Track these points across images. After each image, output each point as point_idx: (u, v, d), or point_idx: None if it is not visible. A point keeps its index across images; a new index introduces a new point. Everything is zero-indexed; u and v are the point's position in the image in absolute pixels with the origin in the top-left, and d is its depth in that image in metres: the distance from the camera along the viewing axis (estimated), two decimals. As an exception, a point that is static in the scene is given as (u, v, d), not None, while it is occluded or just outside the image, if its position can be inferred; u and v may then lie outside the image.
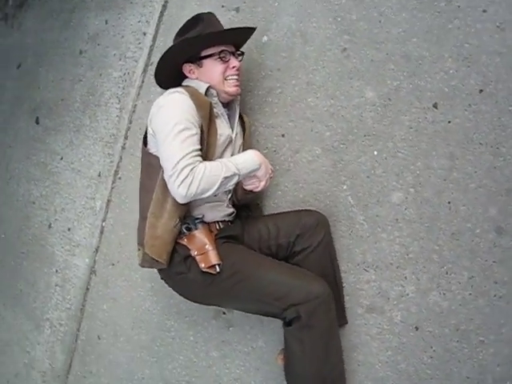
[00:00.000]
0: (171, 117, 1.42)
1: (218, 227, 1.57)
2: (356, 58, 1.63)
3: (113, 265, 2.33)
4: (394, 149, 1.51)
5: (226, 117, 1.64)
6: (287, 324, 1.42)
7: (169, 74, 1.67)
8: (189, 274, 1.49)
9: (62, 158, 2.79)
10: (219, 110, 1.61)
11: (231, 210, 1.64)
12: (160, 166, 1.46)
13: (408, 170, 1.47)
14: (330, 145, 1.64)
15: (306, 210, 1.61)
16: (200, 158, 1.41)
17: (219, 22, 1.67)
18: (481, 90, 1.40)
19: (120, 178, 2.41)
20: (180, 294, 1.60)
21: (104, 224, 2.43)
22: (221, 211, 1.59)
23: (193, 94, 1.49)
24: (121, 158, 2.43)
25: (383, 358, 1.47)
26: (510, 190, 1.35)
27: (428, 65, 1.49)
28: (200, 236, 1.50)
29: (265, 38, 1.90)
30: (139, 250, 1.56)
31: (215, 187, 1.40)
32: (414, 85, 1.50)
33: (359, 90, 1.60)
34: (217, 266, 1.45)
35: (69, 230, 2.65)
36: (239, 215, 1.71)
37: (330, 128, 1.65)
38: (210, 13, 1.68)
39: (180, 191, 1.35)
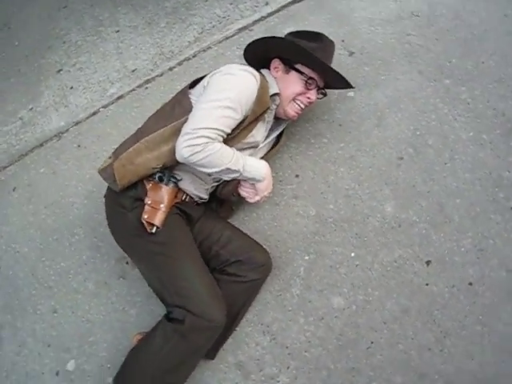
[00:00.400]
0: (230, 89, 1.40)
1: (183, 198, 1.54)
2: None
3: (78, 146, 2.26)
4: (369, 266, 1.51)
5: (269, 126, 1.63)
6: (168, 318, 1.39)
7: (258, 54, 1.64)
8: (129, 213, 1.46)
9: (117, 31, 2.72)
10: (269, 117, 1.59)
11: (206, 196, 1.61)
12: (187, 113, 1.42)
13: (365, 293, 1.47)
14: (325, 217, 1.64)
15: (262, 247, 1.59)
16: (221, 139, 1.40)
17: (332, 53, 1.65)
18: None
19: (146, 88, 2.35)
20: (108, 223, 1.57)
21: (100, 110, 2.36)
22: (197, 189, 1.56)
23: (262, 87, 1.47)
24: (162, 73, 2.38)
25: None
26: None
27: None
28: (164, 192, 1.46)
29: (351, 94, 1.91)
30: (110, 158, 1.52)
31: (214, 170, 1.39)
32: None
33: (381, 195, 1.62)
34: (154, 228, 1.42)
35: (71, 88, 2.56)
36: (208, 205, 1.68)
37: (336, 204, 1.65)
38: (331, 41, 1.65)
39: (183, 152, 1.34)
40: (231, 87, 1.41)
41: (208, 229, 1.58)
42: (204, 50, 2.38)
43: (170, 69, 2.38)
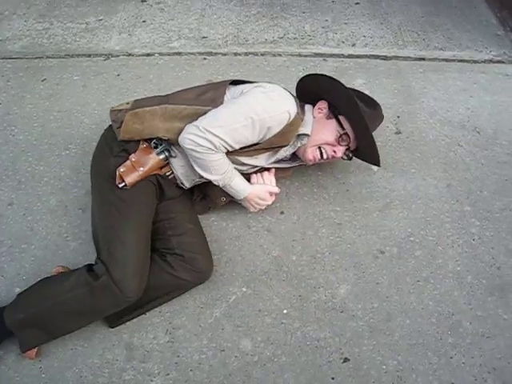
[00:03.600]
0: (260, 111, 1.39)
1: (167, 174, 1.54)
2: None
3: (118, 75, 2.28)
4: (292, 331, 1.47)
5: (280, 158, 1.61)
6: (89, 268, 1.40)
7: (313, 87, 1.60)
8: (111, 158, 1.49)
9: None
10: (286, 152, 1.58)
11: (188, 185, 1.60)
12: (213, 105, 1.44)
13: (273, 352, 1.43)
14: (282, 264, 1.60)
15: (210, 256, 1.56)
16: (225, 151, 1.44)
17: (376, 127, 1.62)
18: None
19: (204, 59, 2.36)
20: (92, 156, 1.61)
21: (155, 55, 2.38)
22: (184, 175, 1.56)
23: (292, 124, 1.45)
24: (226, 53, 2.39)
25: None
26: None
27: None
28: (151, 159, 1.48)
29: (374, 168, 1.86)
30: (127, 104, 1.55)
31: (199, 170, 1.46)
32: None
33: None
34: (123, 184, 1.44)
35: (143, 21, 2.59)
36: (188, 193, 1.68)
37: (299, 258, 1.62)
38: (382, 116, 1.63)
39: (185, 141, 1.40)
40: (262, 110, 1.40)
41: (173, 212, 1.57)
42: (274, 55, 2.37)
43: (235, 54, 2.39)
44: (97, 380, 1.38)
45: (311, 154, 1.56)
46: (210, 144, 1.39)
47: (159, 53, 2.40)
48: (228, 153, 1.47)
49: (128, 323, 1.49)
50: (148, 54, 2.40)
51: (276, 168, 1.65)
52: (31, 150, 1.99)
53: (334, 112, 1.55)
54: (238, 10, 2.66)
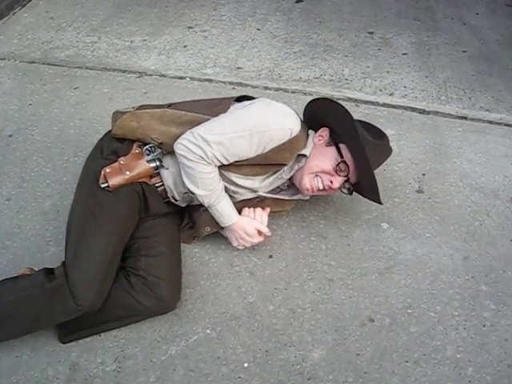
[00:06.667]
0: (260, 122, 1.35)
1: (156, 185, 1.47)
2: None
3: (145, 93, 2.29)
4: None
5: (279, 183, 1.51)
6: (50, 269, 1.35)
7: (319, 113, 1.52)
8: (100, 159, 1.47)
9: (258, 29, 2.74)
10: (284, 175, 1.48)
11: (178, 198, 1.51)
12: (215, 115, 1.40)
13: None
14: (257, 312, 1.44)
15: (179, 287, 1.44)
16: (217, 163, 1.38)
17: (382, 161, 1.51)
18: None
19: (233, 89, 2.32)
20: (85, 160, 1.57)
21: (186, 79, 2.38)
22: (174, 186, 1.47)
23: (292, 142, 1.38)
24: (256, 86, 2.34)
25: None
26: None
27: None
28: (140, 165, 1.41)
29: (384, 226, 1.68)
30: (133, 108, 1.53)
31: (186, 180, 1.39)
32: None
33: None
34: (106, 185, 1.38)
35: (184, 46, 2.63)
36: (177, 216, 1.60)
37: (276, 310, 1.45)
38: (390, 149, 1.53)
39: (178, 146, 1.34)
40: (262, 122, 1.35)
41: (152, 232, 1.48)
42: (305, 93, 2.29)
43: (266, 88, 2.35)
44: (28, 398, 1.27)
45: (308, 182, 1.44)
46: (201, 152, 1.31)
47: (191, 77, 2.40)
48: (221, 168, 1.40)
49: (80, 341, 1.38)
50: (180, 77, 2.40)
51: (273, 199, 1.55)
52: (44, 151, 2.01)
53: (334, 140, 1.45)
54: (280, 46, 2.63)
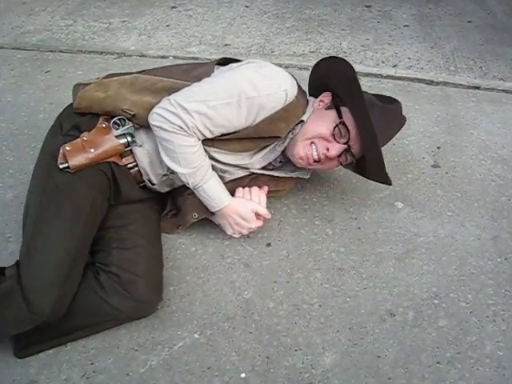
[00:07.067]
0: (249, 86, 1.13)
1: (129, 165, 1.23)
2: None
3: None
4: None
5: (273, 157, 1.29)
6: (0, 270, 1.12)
7: (317, 79, 1.32)
8: (60, 136, 1.22)
9: (247, 6, 2.53)
10: (278, 147, 1.26)
11: (155, 181, 1.28)
12: (197, 80, 1.18)
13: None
14: (254, 310, 1.21)
15: (160, 285, 1.20)
16: (200, 136, 1.16)
17: (393, 131, 1.27)
18: None
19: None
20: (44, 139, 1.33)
21: (169, 58, 2.16)
22: (150, 166, 1.24)
23: (287, 110, 1.16)
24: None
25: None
26: None
27: None
28: (108, 141, 1.18)
29: (399, 205, 1.45)
30: (98, 78, 1.29)
31: (165, 159, 1.16)
32: None
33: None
34: (65, 164, 1.14)
35: (167, 26, 2.41)
36: (157, 202, 1.37)
37: (278, 307, 1.21)
38: (402, 118, 1.30)
39: (153, 116, 1.13)
40: (252, 87, 1.13)
41: (127, 220, 1.24)
42: (300, 68, 2.08)
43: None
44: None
45: (302, 150, 1.22)
46: (180, 121, 1.10)
47: (174, 56, 2.18)
48: (204, 143, 1.18)
49: (41, 353, 1.13)
50: (162, 57, 2.18)
51: (269, 177, 1.33)
52: (8, 138, 1.78)
53: (336, 103, 1.23)
54: (271, 22, 2.42)
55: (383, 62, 2.09)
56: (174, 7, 2.59)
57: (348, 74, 1.20)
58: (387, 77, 2.00)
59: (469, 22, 2.41)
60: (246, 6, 2.55)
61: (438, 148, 1.66)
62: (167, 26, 2.42)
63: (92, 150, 1.16)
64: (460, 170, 1.58)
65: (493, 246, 1.34)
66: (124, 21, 2.48)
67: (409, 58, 2.13)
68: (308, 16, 2.47)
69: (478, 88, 1.96)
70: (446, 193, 1.50)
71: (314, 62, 1.33)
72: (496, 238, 1.36)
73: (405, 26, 2.39)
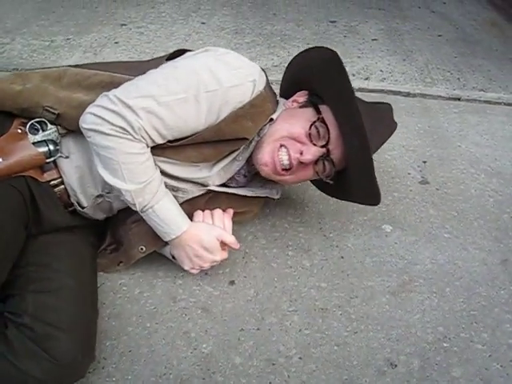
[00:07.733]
0: (208, 77, 0.90)
1: (52, 182, 0.96)
2: None
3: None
4: None
5: (236, 169, 1.04)
6: None
7: (289, 81, 1.11)
8: None
9: (204, 23, 2.35)
10: (241, 156, 1.01)
11: (86, 204, 1.00)
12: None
13: None
14: (220, 358, 0.92)
15: (90, 338, 0.89)
16: (149, 142, 0.91)
17: (388, 133, 1.07)
18: None
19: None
20: None
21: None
22: (80, 184, 0.97)
23: (256, 106, 0.94)
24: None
25: None
26: None
27: None
28: (23, 148, 0.92)
29: (387, 228, 1.22)
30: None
31: (104, 173, 0.90)
32: None
33: None
34: None
35: (116, 43, 2.19)
36: (90, 233, 1.08)
37: (245, 349, 0.93)
38: (395, 125, 1.08)
39: (86, 117, 0.88)
40: (212, 77, 0.90)
41: (51, 256, 0.95)
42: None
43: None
44: None
45: (268, 155, 0.98)
46: (123, 122, 0.86)
47: (122, 72, 1.93)
48: (152, 151, 0.93)
49: None
50: (109, 74, 1.93)
51: (231, 196, 1.07)
52: None
53: (314, 102, 1.01)
54: (230, 38, 2.24)
55: (354, 75, 1.93)
56: (124, 25, 2.38)
57: (330, 58, 0.96)
58: (360, 89, 1.82)
59: (439, 35, 2.32)
60: (203, 23, 2.37)
61: (424, 162, 1.46)
62: (116, 42, 2.20)
63: (0, 160, 0.88)
64: (452, 185, 1.37)
65: (503, 272, 1.12)
66: (68, 38, 2.25)
67: (381, 71, 1.98)
68: (269, 31, 2.31)
69: (458, 99, 1.81)
70: (440, 212, 1.28)
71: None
72: (505, 262, 1.14)
73: (373, 39, 2.27)
